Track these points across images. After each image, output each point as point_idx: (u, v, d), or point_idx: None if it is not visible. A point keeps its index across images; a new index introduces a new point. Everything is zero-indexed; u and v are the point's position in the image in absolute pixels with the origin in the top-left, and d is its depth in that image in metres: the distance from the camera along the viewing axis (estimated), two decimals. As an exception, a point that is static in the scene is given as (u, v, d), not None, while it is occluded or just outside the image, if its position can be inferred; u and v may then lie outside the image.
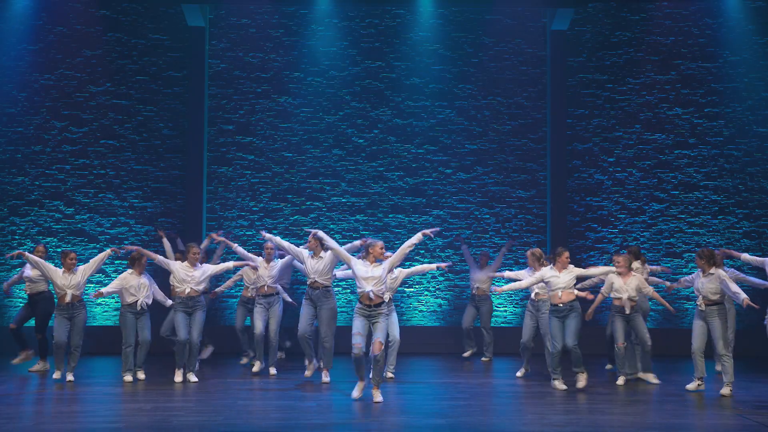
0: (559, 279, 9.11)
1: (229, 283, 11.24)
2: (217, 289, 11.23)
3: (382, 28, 13.66)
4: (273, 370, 10.13)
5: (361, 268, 8.32)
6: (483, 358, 11.71)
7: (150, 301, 9.73)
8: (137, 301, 9.58)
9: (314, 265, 9.43)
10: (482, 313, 11.85)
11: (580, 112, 13.55)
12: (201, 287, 9.74)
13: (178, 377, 9.56)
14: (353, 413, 7.72)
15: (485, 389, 9.31)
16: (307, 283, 9.55)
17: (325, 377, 9.51)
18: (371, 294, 8.20)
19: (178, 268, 9.73)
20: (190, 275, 9.67)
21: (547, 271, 9.25)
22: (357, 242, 9.51)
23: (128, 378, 9.51)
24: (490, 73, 13.60)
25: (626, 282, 9.41)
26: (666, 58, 13.58)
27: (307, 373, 9.73)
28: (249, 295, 10.82)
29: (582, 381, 9.21)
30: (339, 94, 13.57)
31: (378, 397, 8.21)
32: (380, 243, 8.49)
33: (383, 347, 8.16)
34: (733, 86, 13.53)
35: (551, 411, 7.81)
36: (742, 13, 13.46)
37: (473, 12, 13.57)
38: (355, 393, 8.39)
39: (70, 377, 9.50)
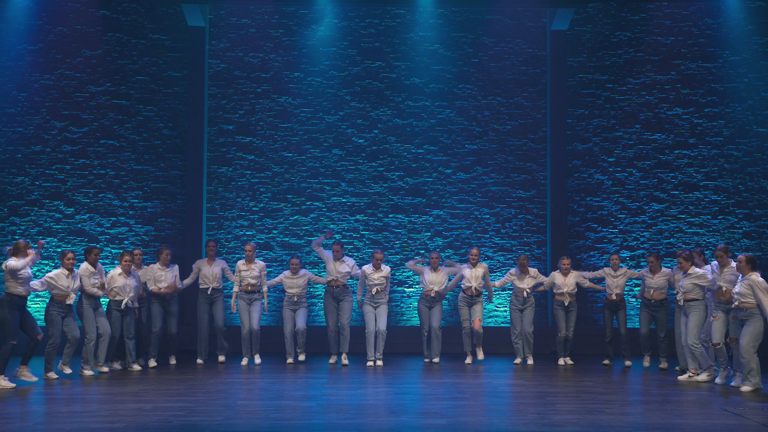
0: (653, 281, 10.80)
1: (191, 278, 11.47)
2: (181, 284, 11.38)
3: (382, 28, 13.66)
4: (258, 359, 11.14)
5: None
6: (429, 360, 11.27)
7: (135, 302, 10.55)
8: (123, 300, 10.26)
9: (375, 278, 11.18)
10: (433, 313, 11.27)
11: (580, 112, 13.55)
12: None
13: (173, 360, 11.07)
14: (353, 413, 7.71)
15: (485, 389, 9.31)
16: (330, 284, 11.07)
17: (345, 360, 10.99)
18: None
19: (154, 268, 10.93)
20: (163, 275, 10.91)
21: (645, 274, 10.96)
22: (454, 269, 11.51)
23: (137, 367, 10.51)
24: (490, 73, 13.60)
25: (566, 280, 11.21)
26: (666, 58, 13.58)
27: (331, 360, 11.17)
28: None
29: (662, 365, 10.90)
30: (339, 94, 13.57)
31: (480, 355, 11.17)
32: (435, 253, 11.43)
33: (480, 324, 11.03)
34: (733, 86, 13.54)
35: (551, 411, 7.81)
36: (742, 13, 13.47)
37: (473, 12, 13.57)
38: (469, 360, 11.18)
39: (68, 370, 9.96)
